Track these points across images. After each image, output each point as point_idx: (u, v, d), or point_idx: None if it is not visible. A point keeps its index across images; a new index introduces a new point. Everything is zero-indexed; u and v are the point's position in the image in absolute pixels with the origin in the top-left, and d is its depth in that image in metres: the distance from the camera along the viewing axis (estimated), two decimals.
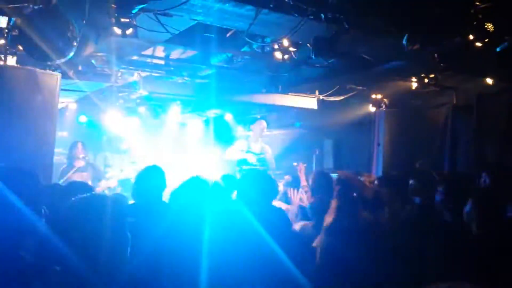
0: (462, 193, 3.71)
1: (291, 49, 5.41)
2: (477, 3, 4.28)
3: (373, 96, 8.27)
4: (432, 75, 7.05)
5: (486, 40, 4.44)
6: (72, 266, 1.90)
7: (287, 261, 2.85)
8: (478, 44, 4.48)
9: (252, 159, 7.42)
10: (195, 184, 3.97)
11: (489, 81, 6.96)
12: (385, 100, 8.37)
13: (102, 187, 6.57)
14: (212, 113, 10.82)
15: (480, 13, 4.28)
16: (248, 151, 7.51)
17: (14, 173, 2.49)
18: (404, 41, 4.71)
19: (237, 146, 7.67)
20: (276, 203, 4.51)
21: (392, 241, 3.30)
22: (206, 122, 11.60)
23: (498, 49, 4.65)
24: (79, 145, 6.92)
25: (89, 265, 1.91)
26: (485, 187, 4.22)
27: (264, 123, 7.82)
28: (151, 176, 3.95)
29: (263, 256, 2.79)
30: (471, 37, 4.47)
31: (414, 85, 7.43)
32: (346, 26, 4.47)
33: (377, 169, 9.00)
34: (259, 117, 8.53)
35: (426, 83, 7.25)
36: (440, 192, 3.80)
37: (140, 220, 3.04)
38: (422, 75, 7.06)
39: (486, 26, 4.32)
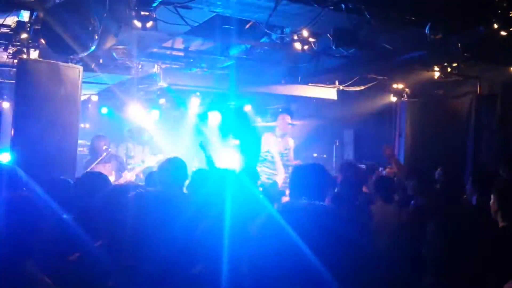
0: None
1: (311, 39, 5.36)
2: None
3: (394, 86, 8.17)
4: (455, 64, 6.92)
5: (511, 28, 4.34)
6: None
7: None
8: (503, 32, 4.37)
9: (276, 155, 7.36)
10: (216, 175, 4.00)
11: None
12: (406, 90, 8.27)
13: (125, 178, 6.66)
14: (231, 104, 10.84)
15: (504, 1, 4.18)
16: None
17: None
18: (426, 31, 4.62)
19: (267, 139, 7.61)
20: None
21: None
22: (226, 113, 11.62)
23: None
24: (103, 141, 7.01)
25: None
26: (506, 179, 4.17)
27: (287, 116, 7.73)
28: (174, 167, 3.99)
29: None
30: (495, 25, 4.36)
31: (437, 74, 7.31)
32: (367, 16, 4.40)
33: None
34: (280, 110, 8.46)
35: (448, 72, 7.13)
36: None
37: (161, 211, 3.08)
38: (445, 64, 6.94)
39: (511, 15, 4.21)
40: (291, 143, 7.66)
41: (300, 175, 3.22)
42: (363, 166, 6.48)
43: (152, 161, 7.42)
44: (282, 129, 7.59)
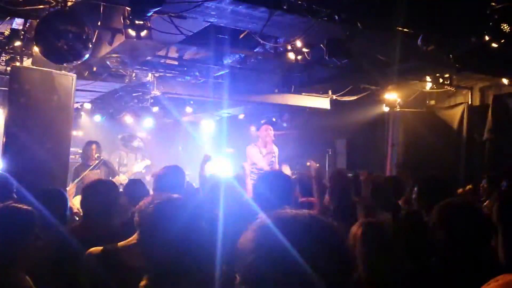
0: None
1: (304, 49, 5.39)
2: (493, 4, 4.22)
3: (387, 96, 8.22)
4: (447, 75, 6.99)
5: (502, 40, 4.38)
6: None
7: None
8: (494, 44, 4.42)
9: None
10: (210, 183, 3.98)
11: (505, 81, 6.88)
12: (399, 100, 8.31)
13: (118, 181, 6.61)
14: (224, 113, 10.85)
15: (496, 13, 4.23)
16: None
17: None
18: (419, 42, 4.67)
19: (251, 152, 7.61)
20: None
21: None
22: (219, 122, 11.63)
23: None
24: (93, 145, 7.00)
25: None
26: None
27: (269, 127, 7.78)
28: (172, 175, 3.96)
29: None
30: (487, 37, 4.41)
31: (429, 85, 7.37)
32: (360, 27, 4.44)
33: (391, 170, 8.95)
34: (262, 122, 8.44)
35: (441, 83, 7.19)
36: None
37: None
38: (437, 75, 7.00)
39: (502, 27, 4.26)
40: (275, 150, 7.60)
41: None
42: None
43: (140, 167, 7.45)
44: (266, 140, 7.60)
